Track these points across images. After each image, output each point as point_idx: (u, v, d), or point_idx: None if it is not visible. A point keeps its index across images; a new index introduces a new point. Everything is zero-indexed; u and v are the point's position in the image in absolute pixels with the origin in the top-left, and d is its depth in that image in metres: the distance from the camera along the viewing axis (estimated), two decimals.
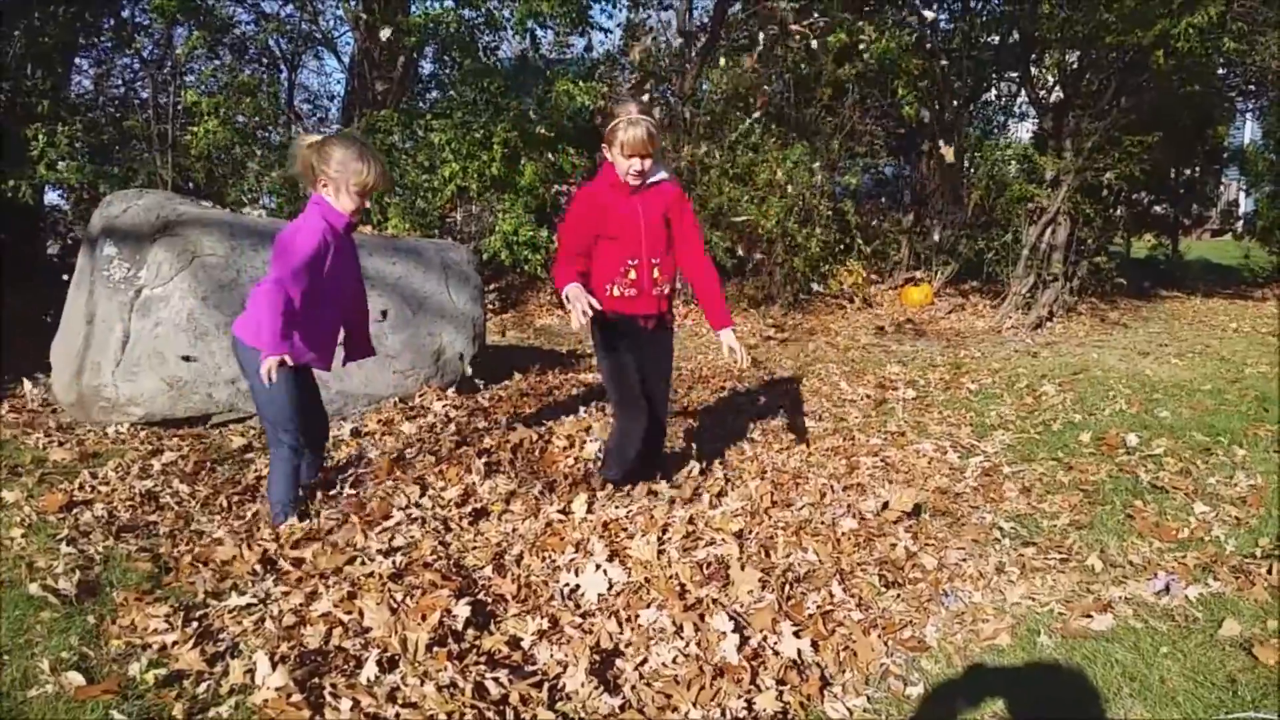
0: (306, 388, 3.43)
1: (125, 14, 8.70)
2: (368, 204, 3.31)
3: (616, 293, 3.42)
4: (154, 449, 4.30)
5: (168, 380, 4.56)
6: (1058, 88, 9.84)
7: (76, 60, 8.77)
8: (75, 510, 3.48)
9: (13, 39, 7.12)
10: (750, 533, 3.28)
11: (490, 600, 2.83)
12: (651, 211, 3.43)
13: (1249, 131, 17.23)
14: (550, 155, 9.02)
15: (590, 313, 3.12)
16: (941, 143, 7.75)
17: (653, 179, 3.43)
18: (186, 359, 4.53)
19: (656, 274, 3.45)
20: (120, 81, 9.53)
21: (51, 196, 8.81)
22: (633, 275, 3.42)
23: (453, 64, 9.72)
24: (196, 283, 4.66)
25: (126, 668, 2.42)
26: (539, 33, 9.79)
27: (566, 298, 3.20)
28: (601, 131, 3.40)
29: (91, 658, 2.48)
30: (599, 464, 3.92)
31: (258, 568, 2.99)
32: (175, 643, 2.52)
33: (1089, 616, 2.82)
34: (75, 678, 2.35)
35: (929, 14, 3.20)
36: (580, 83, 8.90)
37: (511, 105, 8.89)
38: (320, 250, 3.11)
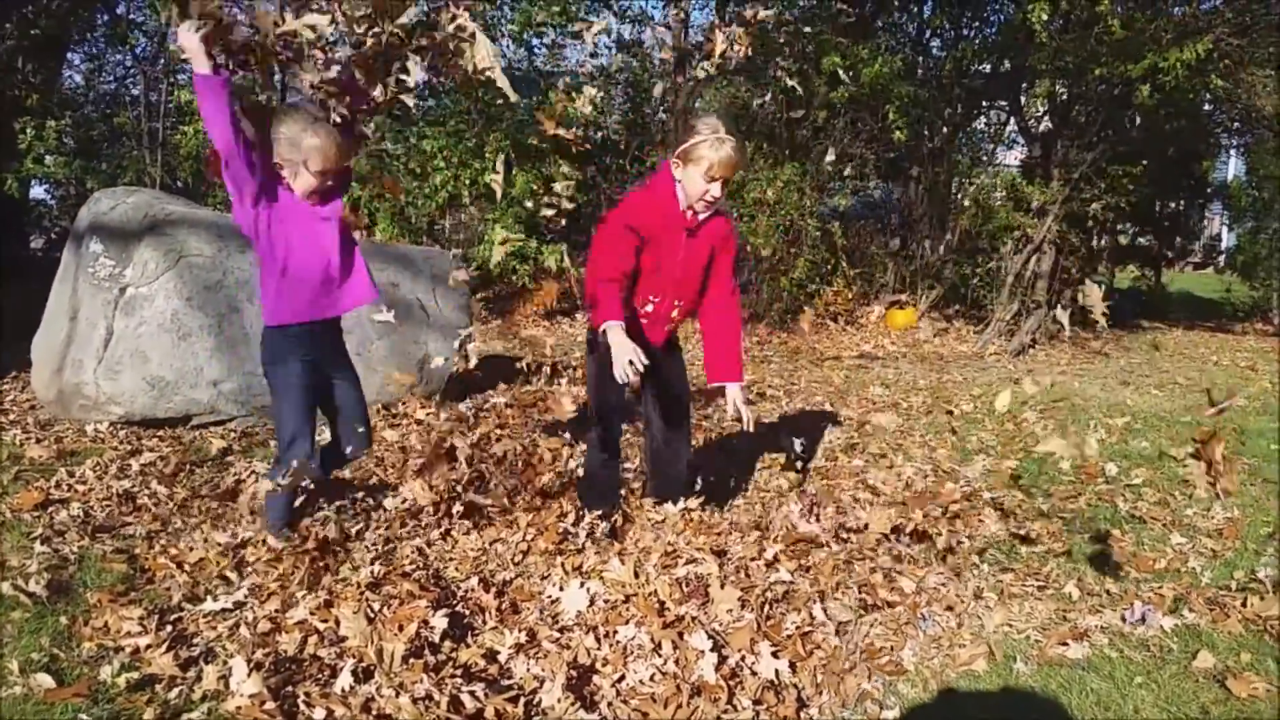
0: (324, 384, 3.18)
1: (120, 10, 8.68)
2: (328, 181, 2.96)
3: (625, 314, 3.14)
4: (133, 449, 4.26)
5: (149, 380, 4.52)
6: (1046, 118, 9.95)
7: (68, 55, 8.73)
8: (50, 509, 3.44)
9: (5, 30, 7.09)
10: (730, 551, 3.28)
11: (468, 612, 2.81)
12: (698, 254, 3.21)
13: (1233, 167, 17.46)
14: (542, 167, 9.03)
15: (642, 371, 2.86)
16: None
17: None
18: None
19: (675, 313, 3.28)
20: (112, 78, 9.50)
21: (37, 191, 8.74)
22: (650, 308, 3.24)
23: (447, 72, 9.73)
24: (182, 283, 4.63)
25: (98, 670, 2.39)
26: (534, 42, 9.85)
27: (603, 336, 2.92)
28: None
29: (62, 659, 2.45)
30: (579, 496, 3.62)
31: (231, 575, 2.97)
32: (148, 646, 2.50)
33: (1065, 644, 2.83)
34: (45, 679, 2.32)
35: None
36: (574, 93, 8.92)
37: (505, 115, 8.91)
38: (253, 220, 2.88)
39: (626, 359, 2.83)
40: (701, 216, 3.17)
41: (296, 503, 3.17)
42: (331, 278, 3.05)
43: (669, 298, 3.24)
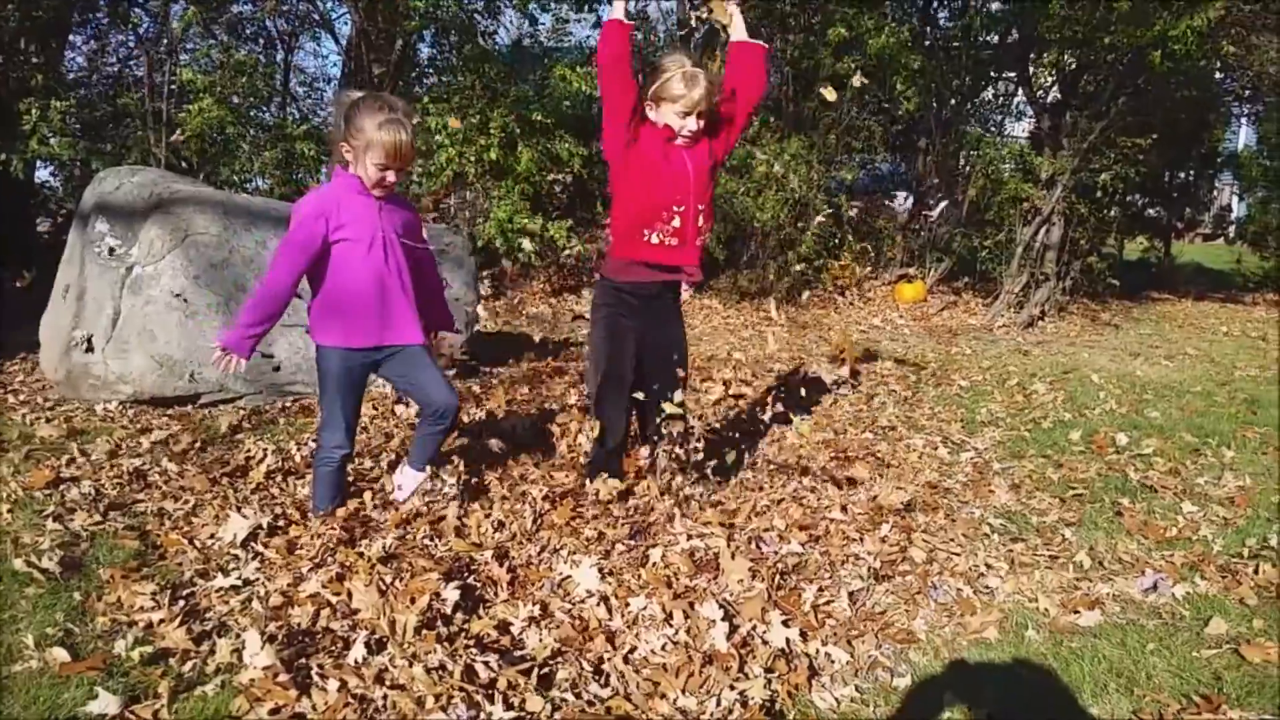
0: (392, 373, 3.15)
1: None
2: (391, 177, 2.91)
3: (656, 240, 3.17)
4: (142, 427, 4.27)
5: (157, 359, 4.53)
6: (1055, 88, 9.85)
7: (71, 36, 8.69)
8: (62, 487, 3.45)
9: (8, 12, 7.06)
10: (740, 524, 3.28)
11: (480, 585, 2.82)
12: (699, 159, 3.18)
13: (1244, 136, 17.31)
14: (547, 143, 8.99)
15: None
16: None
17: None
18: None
19: (701, 221, 3.20)
20: (115, 58, 9.46)
21: (42, 173, 8.74)
22: (677, 223, 3.15)
23: (451, 48, 9.68)
24: (188, 261, 4.63)
25: (112, 645, 2.40)
26: (539, 16, 9.79)
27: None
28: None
29: (77, 634, 2.46)
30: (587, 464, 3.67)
31: (239, 553, 2.97)
32: (162, 621, 2.51)
33: (1077, 612, 2.83)
34: (60, 654, 2.33)
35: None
36: (578, 69, 8.88)
37: (510, 91, 8.86)
38: (316, 219, 2.86)
39: None
40: (686, 142, 3.16)
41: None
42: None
43: (691, 206, 3.17)
